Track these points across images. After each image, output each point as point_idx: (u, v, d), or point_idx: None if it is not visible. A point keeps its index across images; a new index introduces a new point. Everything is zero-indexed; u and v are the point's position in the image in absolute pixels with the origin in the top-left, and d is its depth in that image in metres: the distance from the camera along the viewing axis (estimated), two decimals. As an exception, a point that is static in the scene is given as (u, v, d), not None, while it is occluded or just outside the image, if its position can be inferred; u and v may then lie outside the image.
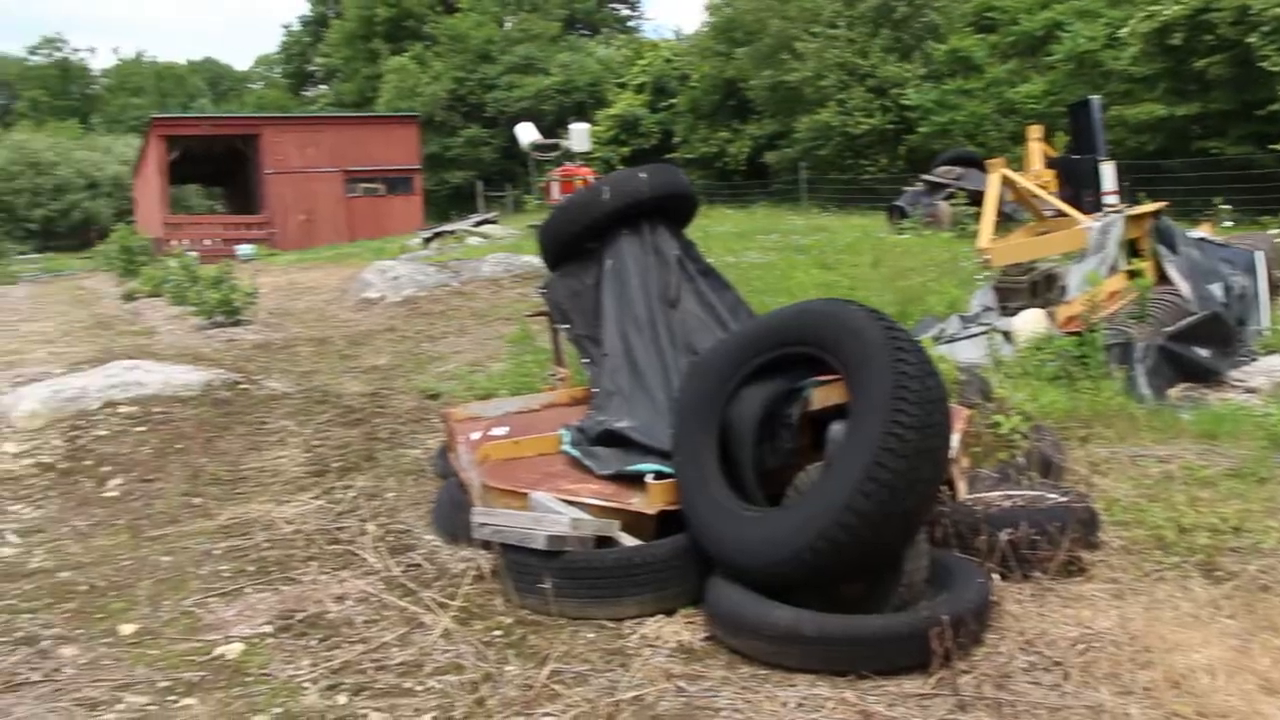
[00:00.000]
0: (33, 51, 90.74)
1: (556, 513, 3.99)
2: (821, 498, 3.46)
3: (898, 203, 18.81)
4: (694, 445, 4.00)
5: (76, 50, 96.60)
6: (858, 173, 28.55)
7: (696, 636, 3.68)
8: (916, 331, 7.54)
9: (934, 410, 3.41)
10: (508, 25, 54.12)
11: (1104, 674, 3.24)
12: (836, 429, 3.71)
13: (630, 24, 65.09)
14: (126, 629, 4.03)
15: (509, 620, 3.90)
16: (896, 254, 13.36)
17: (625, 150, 39.13)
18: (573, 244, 5.37)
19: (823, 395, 3.89)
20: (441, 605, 4.03)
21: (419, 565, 4.49)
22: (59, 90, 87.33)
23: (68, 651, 3.86)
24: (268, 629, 3.94)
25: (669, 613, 3.85)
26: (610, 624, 3.81)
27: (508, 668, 3.51)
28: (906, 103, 27.52)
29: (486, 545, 4.19)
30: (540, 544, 3.82)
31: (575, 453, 4.58)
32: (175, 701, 3.42)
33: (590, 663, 3.53)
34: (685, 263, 5.29)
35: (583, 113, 40.72)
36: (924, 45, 28.35)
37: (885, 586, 3.57)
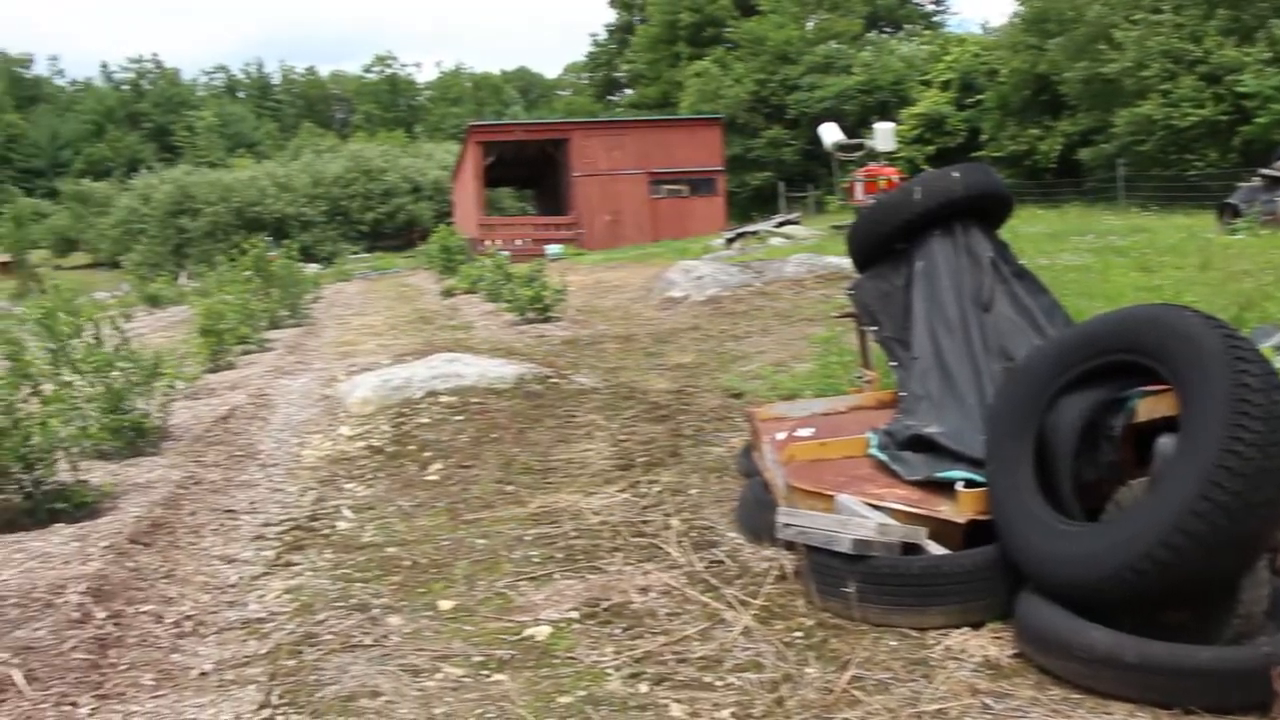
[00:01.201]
0: (367, 70, 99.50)
1: (863, 516, 3.94)
2: (1147, 515, 3.25)
3: (1230, 200, 17.37)
4: (1008, 454, 3.84)
5: (404, 66, 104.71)
6: (1183, 169, 26.64)
7: (1004, 652, 3.54)
8: (1254, 340, 6.95)
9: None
10: (808, 26, 53.96)
11: None
12: (1165, 443, 3.47)
13: (935, 19, 63.61)
14: (445, 604, 4.29)
15: (810, 622, 3.87)
16: (1228, 256, 12.33)
17: (930, 149, 38.28)
18: (882, 245, 5.27)
19: (1149, 406, 3.65)
20: (743, 603, 4.06)
21: (721, 562, 4.54)
22: (389, 103, 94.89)
23: (394, 620, 4.15)
24: (574, 614, 4.09)
25: (975, 625, 3.72)
26: (914, 633, 3.72)
27: (808, 670, 3.49)
28: (1242, 90, 25.38)
29: (789, 546, 4.18)
30: (845, 547, 3.78)
31: (882, 457, 4.50)
32: (488, 676, 3.60)
33: (892, 671, 3.45)
34: (999, 265, 5.07)
35: (886, 112, 40.19)
36: (1268, 25, 25.97)
37: (1217, 616, 3.30)
